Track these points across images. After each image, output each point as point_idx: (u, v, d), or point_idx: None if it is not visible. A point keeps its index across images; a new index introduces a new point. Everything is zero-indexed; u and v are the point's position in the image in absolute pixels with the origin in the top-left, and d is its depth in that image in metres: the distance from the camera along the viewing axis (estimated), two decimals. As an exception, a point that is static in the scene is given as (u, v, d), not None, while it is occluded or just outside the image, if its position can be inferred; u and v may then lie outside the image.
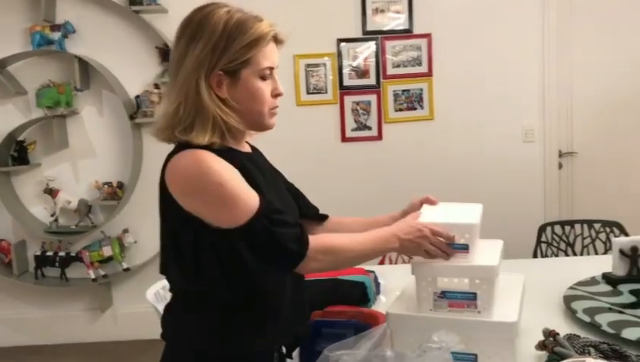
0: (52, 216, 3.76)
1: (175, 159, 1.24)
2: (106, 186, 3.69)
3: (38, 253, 3.72)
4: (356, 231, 1.43)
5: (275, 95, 1.34)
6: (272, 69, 1.32)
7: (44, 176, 3.75)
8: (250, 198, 1.22)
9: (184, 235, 1.24)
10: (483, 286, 1.31)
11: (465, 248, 1.33)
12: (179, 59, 1.27)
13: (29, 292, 3.83)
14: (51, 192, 3.71)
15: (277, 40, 1.34)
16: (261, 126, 1.35)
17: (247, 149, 1.41)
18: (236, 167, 1.25)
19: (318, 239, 1.29)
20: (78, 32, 3.64)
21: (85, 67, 3.62)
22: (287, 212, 1.31)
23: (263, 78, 1.30)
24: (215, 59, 1.25)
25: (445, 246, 1.35)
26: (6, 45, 3.61)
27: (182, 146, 1.25)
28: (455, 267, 1.34)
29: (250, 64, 1.27)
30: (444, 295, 1.34)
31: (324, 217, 1.62)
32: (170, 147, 1.30)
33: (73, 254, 3.72)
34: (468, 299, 1.32)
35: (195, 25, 1.27)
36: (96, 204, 3.76)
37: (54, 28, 3.57)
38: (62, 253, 3.71)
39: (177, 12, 3.45)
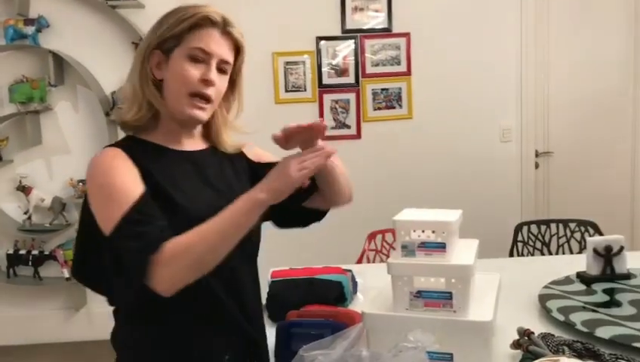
0: (25, 213, 3.69)
1: (92, 157, 1.26)
2: (80, 184, 3.63)
3: (11, 252, 3.65)
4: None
5: (203, 80, 1.27)
6: (206, 53, 1.27)
7: (17, 173, 3.68)
8: (119, 210, 1.15)
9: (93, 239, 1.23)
10: (459, 286, 1.31)
11: (442, 247, 1.32)
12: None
13: (1, 292, 3.75)
14: (24, 190, 3.64)
15: (214, 24, 1.28)
16: (180, 113, 1.28)
17: (193, 147, 1.36)
18: (148, 162, 1.24)
19: (174, 240, 1.13)
20: (52, 26, 3.58)
21: (60, 62, 3.56)
22: (156, 218, 1.17)
23: (194, 60, 1.27)
24: (154, 37, 1.28)
25: (317, 150, 1.23)
26: (-22, 39, 3.54)
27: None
28: (431, 266, 1.33)
29: (181, 43, 1.26)
30: (420, 294, 1.34)
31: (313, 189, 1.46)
32: None
33: (47, 253, 3.66)
34: (444, 299, 1.32)
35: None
36: (70, 201, 3.70)
37: (28, 22, 3.50)
38: (35, 252, 3.65)
39: (154, 7, 3.45)
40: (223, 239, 1.15)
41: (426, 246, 1.34)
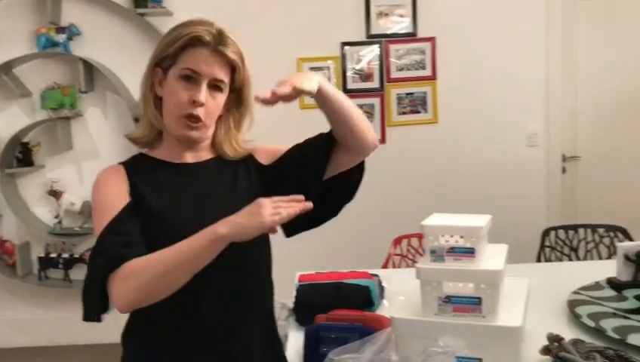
0: (56, 217, 3.77)
1: None
2: (109, 188, 3.70)
3: (42, 255, 3.73)
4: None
5: (192, 101, 1.28)
6: (195, 72, 1.28)
7: (49, 178, 3.76)
8: (99, 225, 1.22)
9: None
10: (488, 291, 1.31)
11: (471, 252, 1.32)
12: None
13: (33, 294, 3.83)
14: (55, 194, 3.72)
15: (204, 43, 1.27)
16: (175, 133, 1.32)
17: (197, 159, 1.38)
18: (139, 177, 1.30)
19: (130, 261, 1.17)
20: (82, 34, 3.66)
21: (90, 69, 3.64)
22: (128, 236, 1.21)
23: (187, 80, 1.28)
24: (154, 56, 1.32)
25: (291, 200, 1.18)
26: (12, 47, 3.63)
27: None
28: (460, 271, 1.33)
29: (176, 63, 1.29)
30: (448, 299, 1.34)
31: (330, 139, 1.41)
32: None
33: (77, 256, 3.73)
34: (473, 304, 1.32)
35: None
36: (100, 205, 3.76)
37: (60, 30, 3.58)
38: (65, 255, 3.72)
39: (182, 15, 3.49)
40: (176, 268, 1.15)
41: (454, 251, 1.34)
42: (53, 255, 3.72)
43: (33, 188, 3.82)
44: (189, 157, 1.37)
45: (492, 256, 1.38)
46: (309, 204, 1.19)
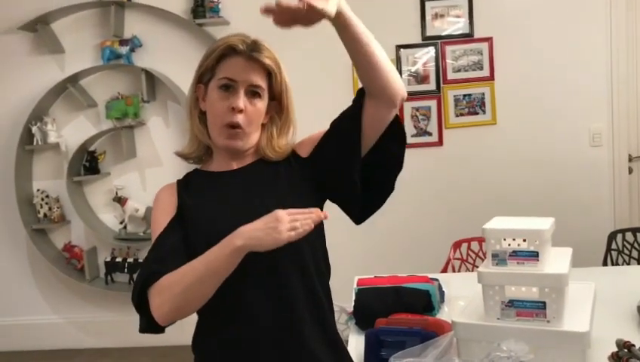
0: (121, 223, 3.90)
1: None
2: (171, 194, 3.80)
3: (108, 259, 3.86)
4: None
5: (231, 108, 1.30)
6: (232, 80, 1.30)
7: (114, 185, 3.90)
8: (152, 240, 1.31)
9: None
10: (552, 295, 1.28)
11: (535, 255, 1.30)
12: None
13: (100, 297, 3.98)
14: (120, 200, 3.85)
15: (237, 52, 1.30)
16: (219, 144, 1.35)
17: (243, 163, 1.39)
18: (188, 190, 1.37)
19: (165, 276, 1.23)
20: (144, 45, 3.78)
21: (151, 79, 3.75)
22: (167, 253, 1.27)
23: (225, 89, 1.31)
24: (196, 72, 1.37)
25: (307, 213, 1.17)
26: (79, 60, 3.80)
27: None
28: (524, 275, 1.31)
29: (214, 75, 1.33)
30: (512, 304, 1.32)
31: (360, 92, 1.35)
32: None
33: (141, 260, 3.84)
34: (537, 308, 1.29)
35: None
36: (162, 211, 3.87)
37: (123, 42, 3.72)
38: (130, 259, 3.84)
39: (239, 24, 3.58)
40: (201, 280, 1.19)
41: (517, 254, 1.32)
42: (118, 259, 3.85)
43: (99, 195, 3.97)
44: (235, 165, 1.39)
45: (556, 260, 1.35)
46: (325, 214, 1.20)
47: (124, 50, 3.71)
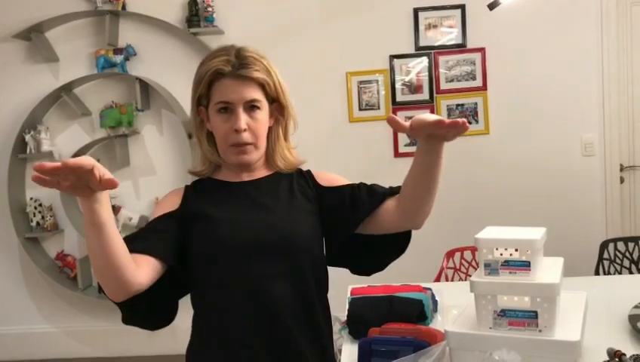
0: (114, 232, 3.88)
1: None
2: (165, 203, 3.79)
3: (102, 268, 3.84)
4: (405, 182, 1.32)
5: (234, 130, 1.32)
6: (228, 103, 1.32)
7: (107, 194, 3.88)
8: None
9: None
10: (544, 305, 1.29)
11: (526, 265, 1.31)
12: None
13: (93, 306, 3.97)
14: (113, 209, 3.83)
15: (224, 74, 1.31)
16: (229, 161, 1.39)
17: (254, 176, 1.41)
18: (194, 196, 1.39)
19: None
20: (138, 54, 3.79)
21: (146, 88, 3.76)
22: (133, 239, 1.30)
23: (223, 112, 1.33)
24: (192, 98, 1.39)
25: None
26: (73, 69, 3.80)
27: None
28: (516, 285, 1.32)
29: (210, 100, 1.35)
30: (504, 313, 1.33)
31: (396, 191, 1.38)
32: None
33: (134, 269, 3.83)
34: (528, 318, 1.30)
35: None
36: (156, 220, 3.87)
37: (117, 51, 3.72)
38: (124, 268, 3.82)
39: (234, 33, 3.59)
40: (92, 256, 1.16)
41: (509, 264, 1.33)
42: (112, 268, 3.83)
43: (93, 204, 3.95)
44: (246, 177, 1.41)
45: (548, 269, 1.37)
46: None
47: (118, 58, 3.71)
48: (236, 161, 1.36)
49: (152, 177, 3.90)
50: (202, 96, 1.35)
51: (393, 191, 1.37)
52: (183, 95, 3.78)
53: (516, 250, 1.32)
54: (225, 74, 1.31)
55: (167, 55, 3.79)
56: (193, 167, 1.46)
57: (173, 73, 3.78)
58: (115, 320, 3.99)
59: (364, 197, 1.37)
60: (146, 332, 4.31)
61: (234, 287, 1.29)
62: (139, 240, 1.26)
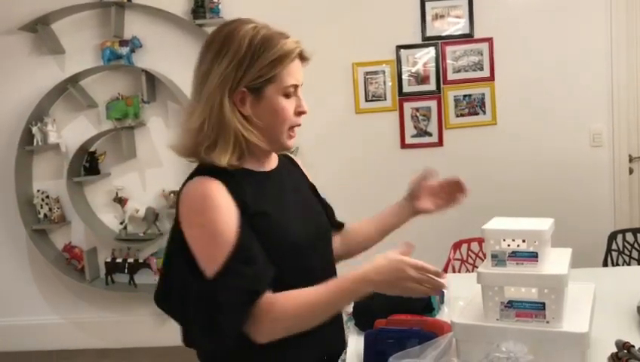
0: (121, 223, 3.90)
1: (187, 186, 1.28)
2: (172, 195, 3.80)
3: (109, 260, 3.86)
4: (368, 233, 1.57)
5: (299, 113, 1.32)
6: (296, 86, 1.31)
7: (114, 186, 3.90)
8: (220, 253, 1.19)
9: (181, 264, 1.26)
10: (552, 296, 1.28)
11: (534, 256, 1.30)
12: (204, 74, 1.29)
13: (100, 297, 3.98)
14: (120, 201, 3.85)
15: (302, 57, 1.33)
16: (279, 145, 1.34)
17: (271, 166, 1.40)
18: (246, 192, 1.25)
19: (275, 301, 1.20)
20: (144, 46, 3.78)
21: (152, 80, 3.75)
22: (252, 265, 1.21)
23: (287, 95, 1.30)
24: (239, 76, 1.25)
25: (434, 280, 1.22)
26: (79, 61, 3.80)
27: (201, 169, 1.29)
28: (523, 276, 1.31)
29: (274, 81, 1.27)
30: (511, 304, 1.32)
31: (342, 225, 1.63)
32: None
33: (141, 261, 3.84)
34: (536, 309, 1.29)
35: (221, 40, 1.28)
36: (162, 211, 3.88)
37: (123, 43, 3.72)
38: (130, 260, 3.84)
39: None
40: (320, 316, 1.24)
41: (517, 255, 1.32)
42: (119, 260, 3.85)
43: (99, 196, 3.97)
44: (267, 164, 1.39)
45: (555, 260, 1.35)
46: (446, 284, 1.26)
47: (124, 50, 3.71)
48: (288, 145, 1.34)
49: (159, 169, 3.90)
50: (269, 77, 1.26)
51: (338, 225, 1.60)
52: (188, 87, 3.73)
53: (524, 241, 1.31)
54: (300, 56, 1.31)
55: (172, 47, 3.78)
56: (228, 160, 1.26)
57: (179, 65, 3.76)
58: (122, 312, 4.03)
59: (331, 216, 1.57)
60: (153, 324, 4.37)
61: (296, 282, 1.27)
62: (266, 273, 1.23)
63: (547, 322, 1.29)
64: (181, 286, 1.25)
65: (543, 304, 1.29)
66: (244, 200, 1.25)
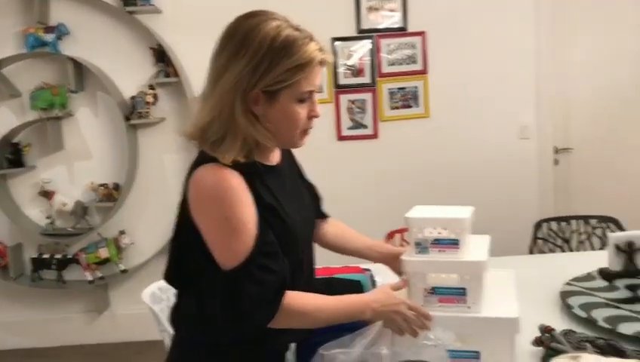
0: (48, 218, 3.75)
1: (202, 172, 1.23)
2: (101, 188, 3.68)
3: (35, 256, 3.71)
4: (353, 247, 1.65)
5: (311, 117, 1.32)
6: (312, 92, 1.29)
7: (40, 179, 3.74)
8: (243, 246, 1.21)
9: (193, 251, 1.27)
10: (472, 282, 1.31)
11: (455, 243, 1.32)
12: (220, 69, 1.25)
13: (26, 295, 3.82)
14: (47, 194, 3.70)
15: (322, 63, 1.30)
16: (290, 145, 1.37)
17: (277, 159, 1.40)
18: (258, 185, 1.26)
19: (294, 299, 1.27)
20: (72, 33, 3.64)
21: (80, 69, 3.61)
22: (276, 259, 1.26)
23: (302, 100, 1.28)
24: (256, 79, 1.22)
25: (419, 324, 1.31)
26: (0, 48, 3.61)
27: (208, 158, 1.24)
28: (445, 263, 1.33)
29: (291, 87, 1.25)
30: (434, 291, 1.34)
31: (325, 216, 1.69)
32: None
33: (70, 256, 3.71)
34: (458, 295, 1.32)
35: (242, 36, 1.24)
36: (92, 205, 3.75)
37: (48, 30, 3.56)
38: (58, 256, 3.70)
39: (171, 12, 3.49)
40: (325, 323, 1.32)
41: (439, 243, 1.34)
42: (45, 256, 3.70)
43: (24, 189, 3.80)
44: (272, 158, 1.38)
45: (475, 247, 1.38)
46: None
47: (49, 37, 3.55)
48: (300, 144, 1.35)
49: (88, 161, 3.77)
50: (278, 82, 1.23)
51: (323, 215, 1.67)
52: (119, 76, 3.66)
53: (445, 229, 1.33)
54: (321, 63, 1.29)
55: (102, 34, 3.66)
56: (232, 159, 1.23)
57: (109, 53, 3.65)
58: (49, 310, 3.88)
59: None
60: (84, 321, 4.21)
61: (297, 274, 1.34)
62: (287, 273, 1.28)
63: (468, 307, 1.32)
64: (197, 272, 1.27)
65: (464, 289, 1.31)
66: (259, 193, 1.26)
